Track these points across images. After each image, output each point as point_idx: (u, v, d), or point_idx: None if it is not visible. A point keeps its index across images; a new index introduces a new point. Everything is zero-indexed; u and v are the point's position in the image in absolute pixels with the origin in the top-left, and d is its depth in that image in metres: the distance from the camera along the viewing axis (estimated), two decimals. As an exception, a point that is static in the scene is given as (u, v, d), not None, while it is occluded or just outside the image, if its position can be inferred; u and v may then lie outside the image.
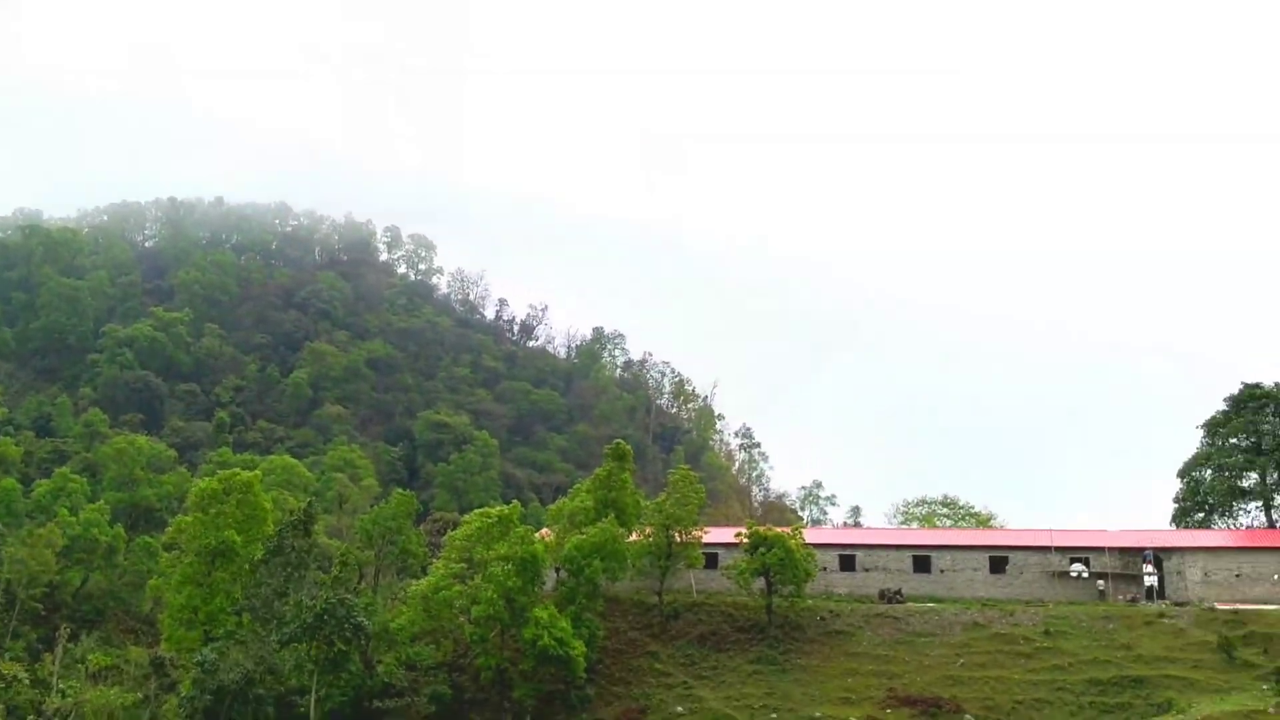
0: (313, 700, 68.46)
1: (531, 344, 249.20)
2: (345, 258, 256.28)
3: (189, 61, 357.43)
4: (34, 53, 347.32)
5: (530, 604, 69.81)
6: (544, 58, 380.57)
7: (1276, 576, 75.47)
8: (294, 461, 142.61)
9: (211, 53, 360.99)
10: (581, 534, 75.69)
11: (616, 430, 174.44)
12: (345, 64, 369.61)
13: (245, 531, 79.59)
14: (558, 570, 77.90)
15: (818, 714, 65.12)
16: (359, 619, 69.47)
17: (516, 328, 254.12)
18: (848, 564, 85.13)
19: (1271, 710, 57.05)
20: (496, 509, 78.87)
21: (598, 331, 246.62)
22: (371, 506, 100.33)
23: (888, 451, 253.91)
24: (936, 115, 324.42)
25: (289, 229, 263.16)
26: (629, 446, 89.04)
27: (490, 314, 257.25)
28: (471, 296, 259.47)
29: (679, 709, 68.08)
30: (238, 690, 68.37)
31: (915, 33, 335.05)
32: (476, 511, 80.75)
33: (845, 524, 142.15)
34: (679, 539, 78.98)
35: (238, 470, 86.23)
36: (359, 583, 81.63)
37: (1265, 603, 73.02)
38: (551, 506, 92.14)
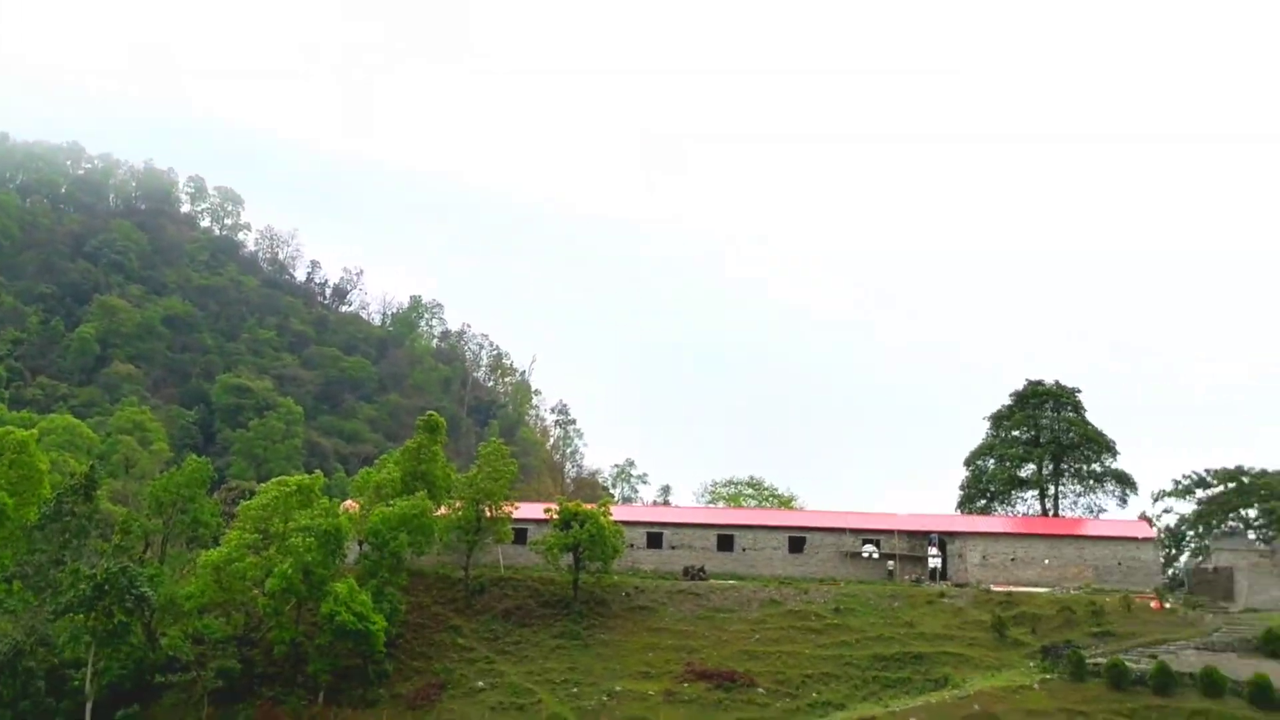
0: (89, 674, 64.64)
1: (344, 309, 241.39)
2: (143, 207, 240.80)
3: (189, 61, 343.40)
4: (34, 53, 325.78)
5: (330, 577, 67.86)
6: (544, 58, 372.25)
7: (1047, 561, 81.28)
8: (77, 421, 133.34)
9: (211, 53, 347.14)
10: (389, 506, 74.05)
11: (430, 402, 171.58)
12: (345, 64, 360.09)
13: (18, 494, 74.42)
14: (360, 543, 75.96)
15: (618, 687, 65.90)
16: (142, 589, 65.92)
17: (329, 291, 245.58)
18: (655, 541, 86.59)
19: (1036, 686, 61.37)
20: (296, 478, 76.35)
21: (415, 300, 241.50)
22: (161, 472, 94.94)
23: (701, 432, 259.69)
24: (936, 115, 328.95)
25: (81, 172, 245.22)
26: (442, 418, 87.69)
27: (301, 275, 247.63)
28: (281, 256, 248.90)
29: (479, 684, 67.59)
30: (4, 662, 64.26)
31: (915, 33, 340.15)
32: (274, 480, 77.82)
33: (655, 502, 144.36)
34: (489, 513, 78.34)
35: (12, 428, 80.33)
36: (144, 552, 77.36)
37: (1035, 585, 78.50)
38: (356, 477, 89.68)
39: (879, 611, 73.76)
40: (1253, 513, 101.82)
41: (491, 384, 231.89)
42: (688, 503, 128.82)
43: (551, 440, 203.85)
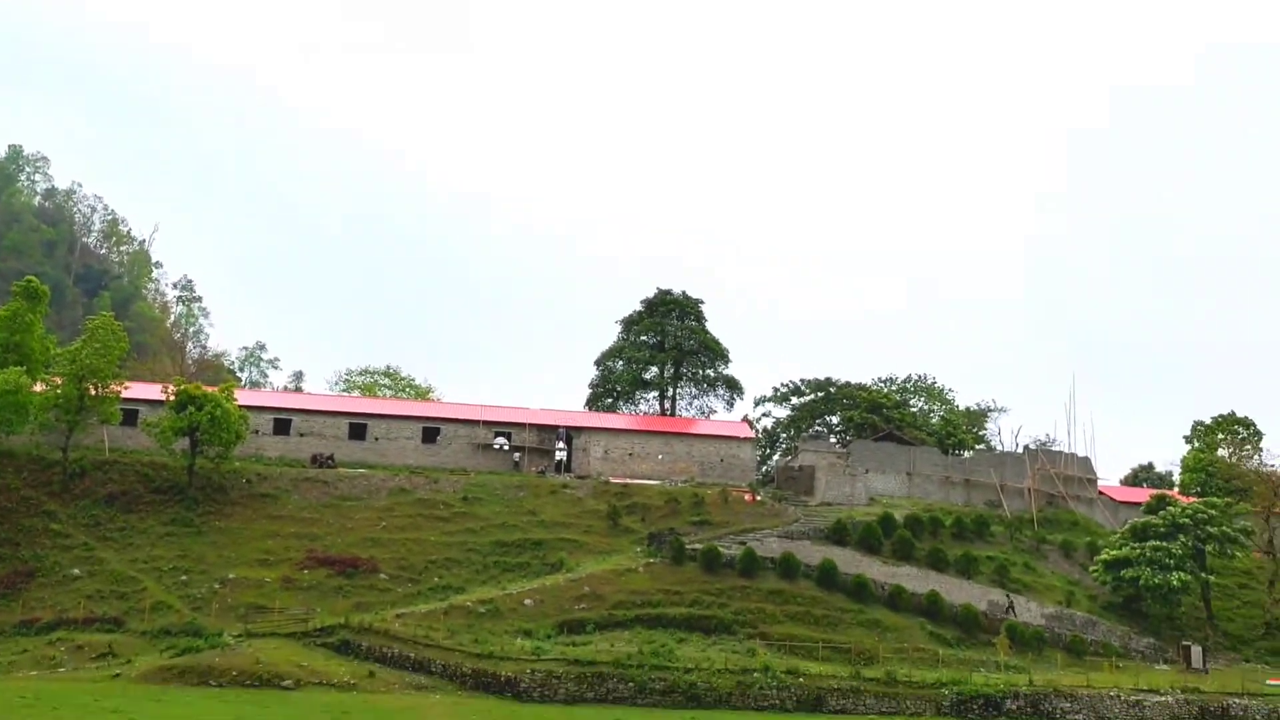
0: None
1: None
2: None
3: (189, 61, 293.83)
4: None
5: (-105, 455, 60.25)
6: (544, 58, 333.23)
7: (660, 456, 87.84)
8: None
9: (212, 52, 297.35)
10: (-28, 379, 66.47)
11: (30, 266, 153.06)
12: (345, 64, 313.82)
13: None
14: (-64, 418, 67.81)
15: (231, 575, 64.14)
16: None
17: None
18: (282, 428, 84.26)
19: (640, 569, 66.93)
20: None
21: (14, 149, 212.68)
22: None
23: (340, 319, 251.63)
24: (937, 115, 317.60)
25: None
26: (44, 286, 79.57)
27: None
28: None
29: (75, 571, 63.26)
30: None
31: (915, 33, 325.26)
32: None
33: (286, 388, 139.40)
34: (94, 392, 72.59)
35: None
36: None
37: (648, 478, 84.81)
38: (-67, 345, 79.37)
39: (505, 501, 76.67)
40: (835, 419, 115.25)
41: (105, 252, 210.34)
42: (321, 390, 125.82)
43: (173, 318, 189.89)
